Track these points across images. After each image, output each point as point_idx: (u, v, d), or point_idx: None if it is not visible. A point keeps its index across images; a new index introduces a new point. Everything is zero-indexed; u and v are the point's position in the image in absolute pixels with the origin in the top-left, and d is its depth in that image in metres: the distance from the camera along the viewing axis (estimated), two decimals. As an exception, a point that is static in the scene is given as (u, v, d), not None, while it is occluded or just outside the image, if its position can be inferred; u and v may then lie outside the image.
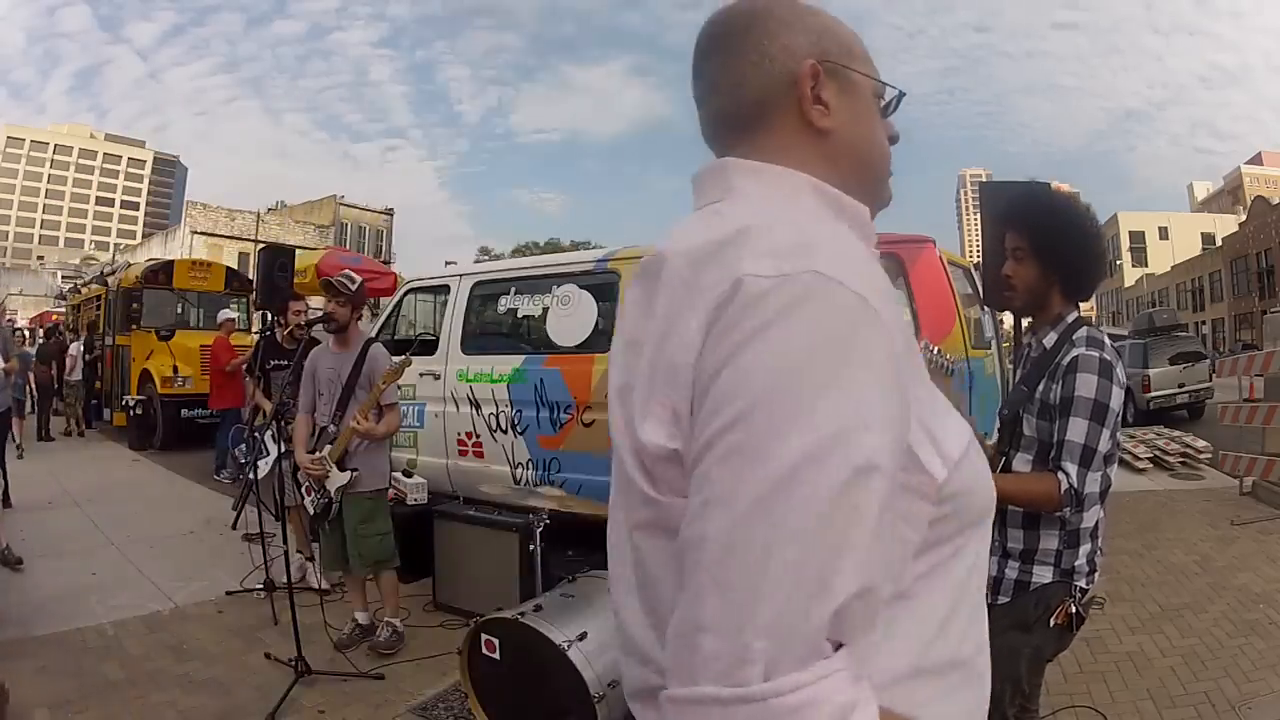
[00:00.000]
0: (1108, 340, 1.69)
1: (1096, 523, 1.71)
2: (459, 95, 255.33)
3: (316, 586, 4.08)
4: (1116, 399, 1.62)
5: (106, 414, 10.73)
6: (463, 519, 3.90)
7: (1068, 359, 1.65)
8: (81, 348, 11.14)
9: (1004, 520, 1.76)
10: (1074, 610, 1.65)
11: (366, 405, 3.30)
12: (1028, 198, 1.87)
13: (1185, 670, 3.18)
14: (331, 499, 3.38)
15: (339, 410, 3.39)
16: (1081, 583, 1.68)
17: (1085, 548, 1.69)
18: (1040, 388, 1.70)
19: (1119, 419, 1.65)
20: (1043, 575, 1.69)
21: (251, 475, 4.31)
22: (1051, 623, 1.66)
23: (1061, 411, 1.62)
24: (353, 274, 3.54)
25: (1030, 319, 1.86)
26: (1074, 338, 1.70)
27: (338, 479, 3.35)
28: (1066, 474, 1.57)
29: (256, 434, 4.45)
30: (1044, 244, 1.74)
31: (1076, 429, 1.59)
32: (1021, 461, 1.73)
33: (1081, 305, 1.84)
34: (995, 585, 1.77)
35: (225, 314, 8.40)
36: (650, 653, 0.65)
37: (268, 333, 5.20)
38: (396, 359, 3.42)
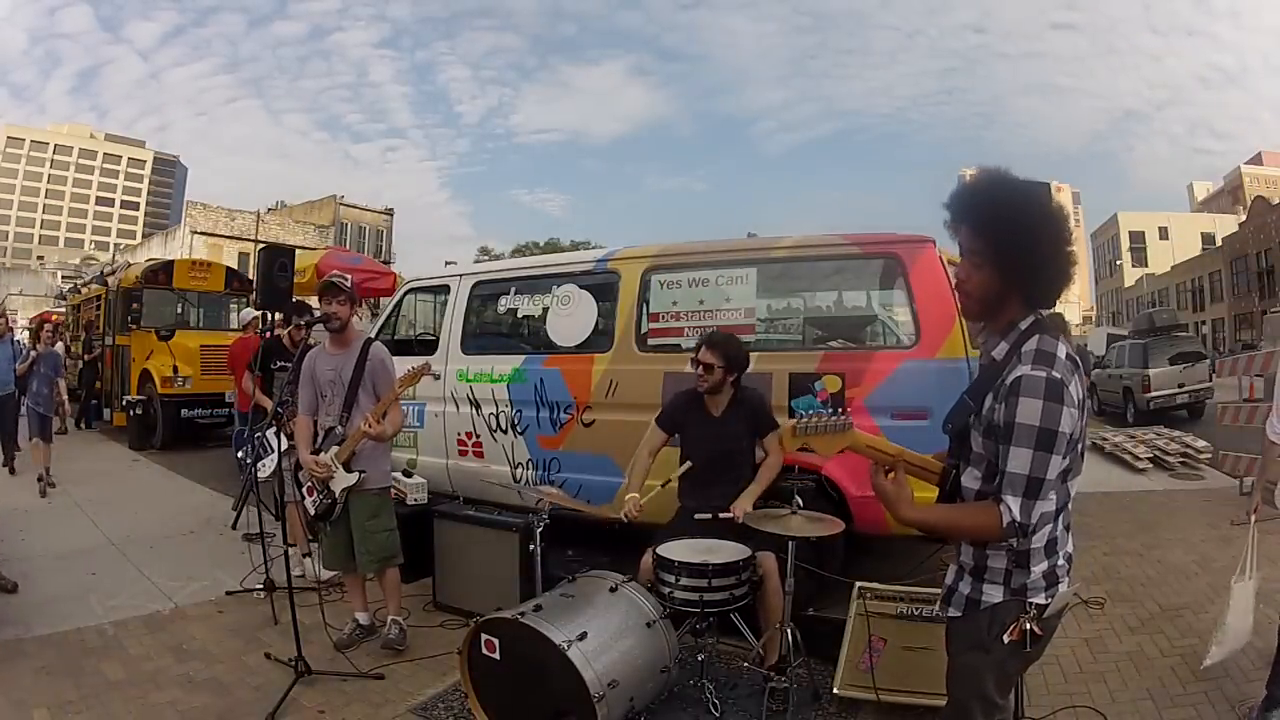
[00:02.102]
0: (1062, 351, 1.52)
1: (1052, 539, 1.60)
2: (459, 96, 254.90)
3: (315, 576, 4.06)
4: (1067, 421, 1.47)
5: (106, 414, 10.73)
6: (463, 519, 3.91)
7: (1011, 379, 1.50)
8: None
9: None
10: (1027, 628, 1.57)
11: (379, 410, 3.30)
12: (990, 190, 1.60)
13: (1185, 670, 3.18)
14: (335, 500, 3.37)
15: (345, 411, 3.39)
16: (1039, 599, 1.58)
17: (1040, 566, 1.59)
18: (986, 404, 1.58)
19: (1073, 439, 1.52)
20: (992, 594, 1.61)
21: (253, 476, 4.32)
22: (1005, 639, 1.58)
23: (1004, 437, 1.49)
24: (342, 271, 3.56)
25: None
26: (1022, 351, 1.53)
27: (344, 480, 3.35)
28: (1009, 507, 1.47)
29: (258, 434, 4.44)
30: (1008, 250, 1.54)
31: (1019, 460, 1.47)
32: (970, 477, 1.64)
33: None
34: (948, 596, 1.72)
35: (251, 313, 8.37)
36: None
37: (269, 333, 5.20)
38: (417, 363, 3.39)
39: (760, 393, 3.55)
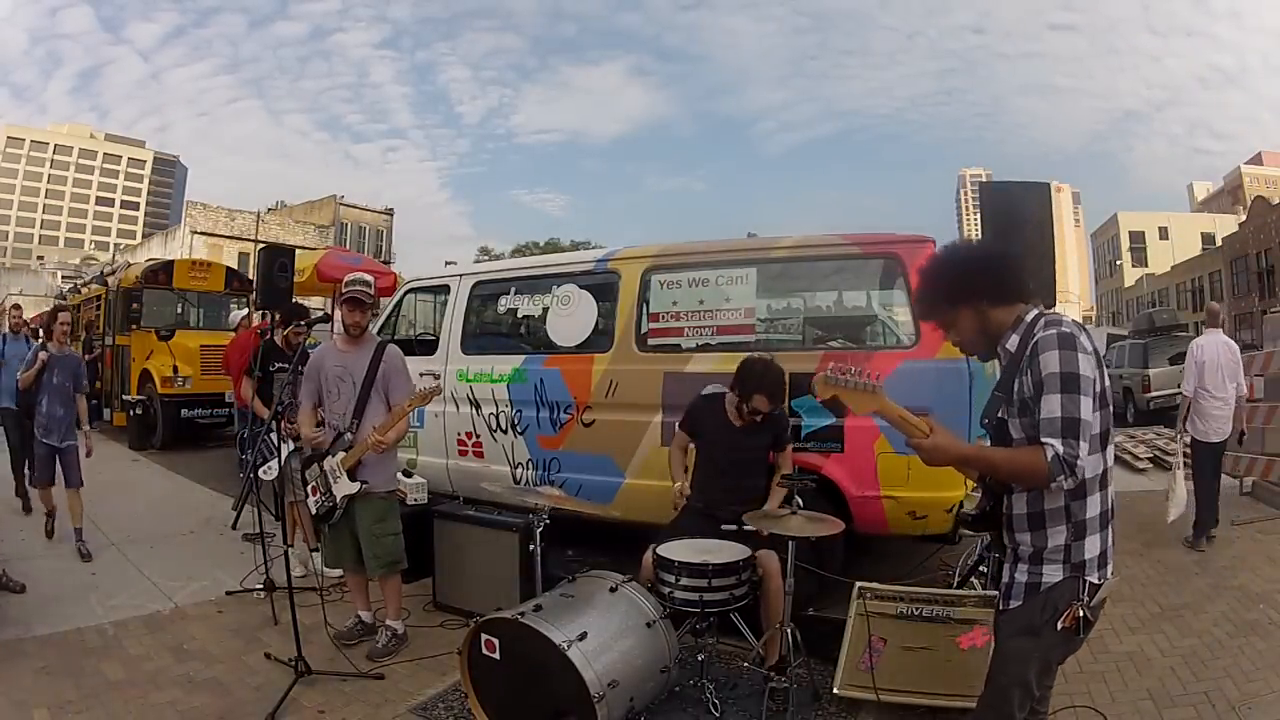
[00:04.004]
0: (1068, 317, 1.70)
1: (1103, 511, 1.69)
2: (460, 96, 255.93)
3: (319, 573, 4.04)
4: (1086, 365, 1.60)
5: (106, 414, 10.72)
6: (463, 519, 3.91)
7: (1030, 349, 1.66)
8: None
9: (1011, 525, 1.75)
10: (1081, 614, 1.63)
11: (386, 425, 3.30)
12: (919, 284, 1.95)
13: (1185, 670, 3.18)
14: (337, 505, 3.37)
15: (355, 418, 3.38)
16: (1093, 577, 1.66)
17: (1093, 538, 1.67)
18: (1015, 387, 1.69)
19: (1100, 387, 1.64)
20: (1053, 574, 1.67)
21: (255, 476, 4.31)
22: (1059, 626, 1.64)
23: (1036, 397, 1.62)
24: (364, 277, 3.52)
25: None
26: (1034, 330, 1.70)
27: (347, 488, 3.34)
28: (1050, 445, 1.56)
29: (261, 438, 4.43)
30: (946, 299, 1.81)
31: (1050, 405, 1.58)
32: None
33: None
34: (1006, 591, 1.76)
35: (238, 315, 8.37)
36: None
37: (268, 334, 5.19)
38: (429, 384, 3.41)
39: (783, 410, 3.52)
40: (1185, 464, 5.50)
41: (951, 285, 1.80)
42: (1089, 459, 1.57)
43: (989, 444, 1.80)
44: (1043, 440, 1.57)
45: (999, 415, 1.75)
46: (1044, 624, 1.65)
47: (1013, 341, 1.74)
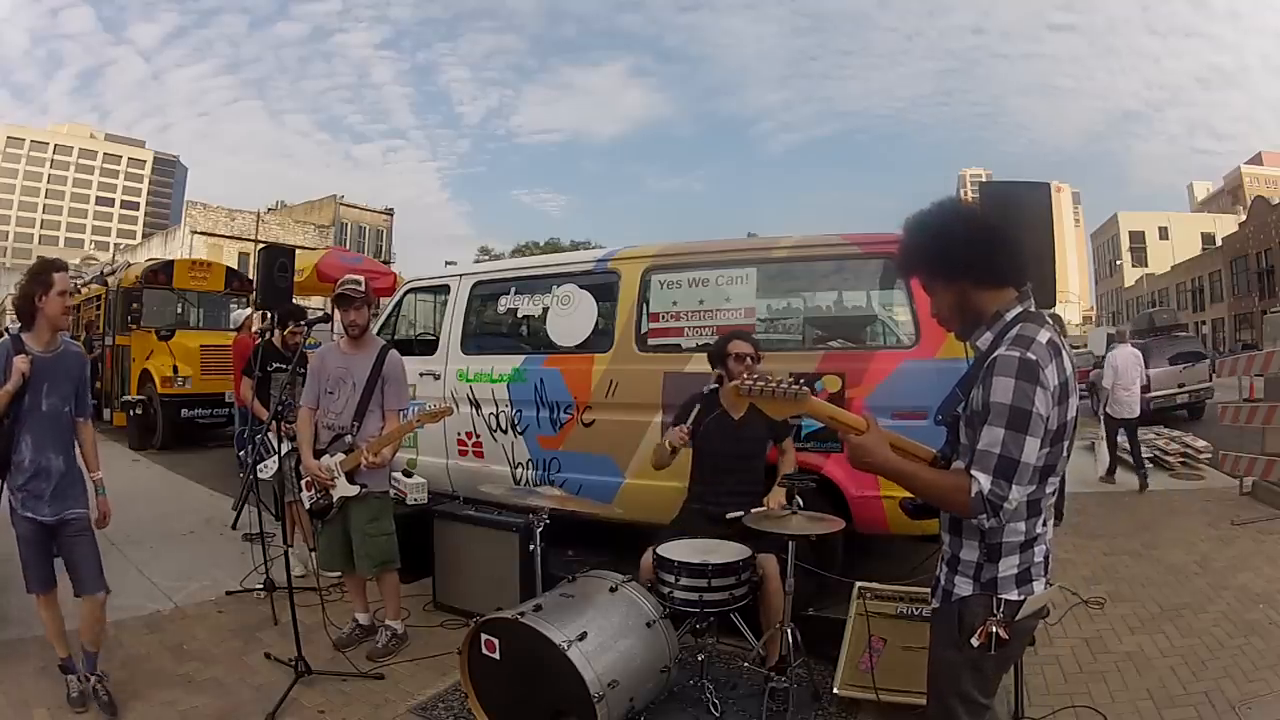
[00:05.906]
0: (1043, 337, 1.51)
1: (1030, 538, 1.57)
2: (460, 96, 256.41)
3: (315, 572, 4.03)
4: (1041, 401, 1.45)
5: (106, 414, 10.73)
6: (463, 519, 3.91)
7: (989, 360, 1.52)
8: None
9: (941, 523, 1.71)
10: (993, 631, 1.54)
11: (381, 443, 3.30)
12: (903, 239, 1.71)
13: (1185, 670, 3.18)
14: (332, 505, 3.38)
15: (356, 420, 3.38)
16: (1011, 595, 1.55)
17: (1012, 559, 1.56)
18: (972, 393, 1.57)
19: (1058, 424, 1.50)
20: (963, 587, 1.61)
21: (253, 476, 4.31)
22: (974, 642, 1.56)
23: (981, 419, 1.50)
24: (355, 276, 3.52)
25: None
26: (1005, 337, 1.55)
27: (345, 490, 3.34)
28: (978, 480, 1.45)
29: (258, 436, 4.43)
30: (935, 263, 1.64)
31: (990, 437, 1.46)
32: (957, 468, 1.62)
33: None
34: (933, 588, 1.74)
35: (242, 314, 8.37)
36: None
37: (268, 334, 5.19)
38: (438, 404, 3.43)
39: None
40: (1105, 436, 8.12)
41: (931, 260, 1.65)
42: (1015, 490, 1.45)
43: (946, 440, 1.72)
44: (972, 472, 1.46)
45: (955, 412, 1.65)
46: (963, 640, 1.59)
47: (985, 339, 1.60)
